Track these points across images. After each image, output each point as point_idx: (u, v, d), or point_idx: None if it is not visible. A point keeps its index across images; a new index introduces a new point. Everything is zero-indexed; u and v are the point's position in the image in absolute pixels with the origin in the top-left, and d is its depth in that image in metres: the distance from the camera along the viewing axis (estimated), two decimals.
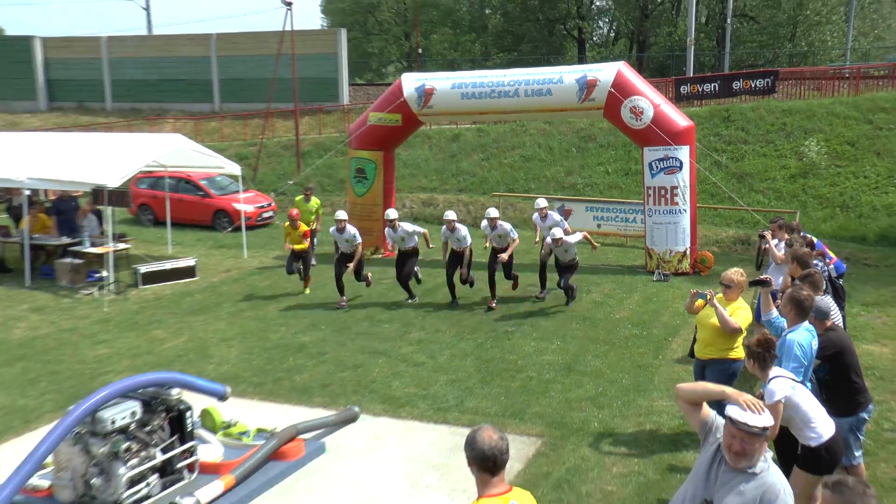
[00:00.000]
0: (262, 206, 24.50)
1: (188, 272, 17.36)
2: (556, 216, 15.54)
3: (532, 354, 11.91)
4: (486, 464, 4.13)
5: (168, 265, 17.29)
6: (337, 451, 8.75)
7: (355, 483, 8.05)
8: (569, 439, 8.93)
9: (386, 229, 15.27)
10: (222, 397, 8.69)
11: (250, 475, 7.88)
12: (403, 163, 27.05)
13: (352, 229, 14.84)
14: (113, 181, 15.99)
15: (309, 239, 16.23)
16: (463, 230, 14.52)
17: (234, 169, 19.88)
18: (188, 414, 7.88)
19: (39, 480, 7.71)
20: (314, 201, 18.53)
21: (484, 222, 14.88)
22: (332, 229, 15.22)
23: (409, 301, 15.19)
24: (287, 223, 16.06)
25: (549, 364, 11.46)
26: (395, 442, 8.99)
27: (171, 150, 18.07)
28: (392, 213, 15.08)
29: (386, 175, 19.34)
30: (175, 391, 7.85)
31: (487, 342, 12.55)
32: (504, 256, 14.25)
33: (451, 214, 14.60)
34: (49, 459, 7.46)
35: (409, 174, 27.71)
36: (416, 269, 15.29)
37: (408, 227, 14.86)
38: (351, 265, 14.74)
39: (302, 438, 8.64)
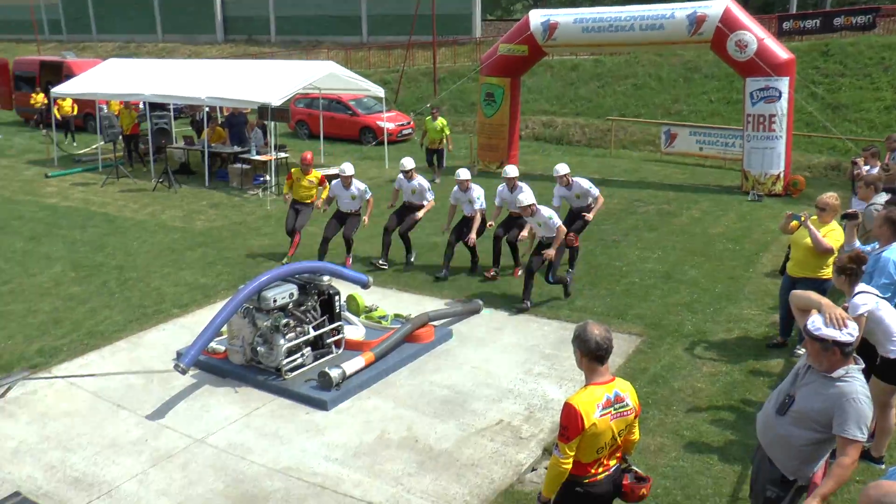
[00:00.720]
0: (402, 125, 24.47)
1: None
2: (584, 183, 10.87)
3: (636, 262, 11.58)
4: (596, 354, 4.02)
5: (322, 172, 17.52)
6: (462, 338, 8.79)
7: (477, 366, 8.07)
8: (665, 339, 8.70)
9: (399, 177, 11.60)
10: (365, 286, 8.83)
11: (387, 354, 8.01)
12: (528, 88, 26.32)
13: (360, 184, 11.53)
14: (276, 100, 16.22)
15: (325, 186, 12.12)
16: (476, 191, 10.90)
17: (379, 92, 19.80)
18: (336, 298, 8.05)
19: (217, 345, 8.08)
20: (440, 121, 17.85)
21: (501, 186, 10.80)
22: (334, 183, 11.62)
23: (411, 260, 11.68)
24: (295, 169, 12.19)
25: (650, 271, 11.13)
26: (512, 333, 8.96)
27: (324, 75, 18.09)
28: (409, 163, 11.41)
29: (512, 99, 18.90)
30: (326, 278, 8.01)
31: (597, 249, 12.24)
32: (523, 234, 10.35)
33: (464, 173, 11.00)
34: (224, 329, 7.80)
35: (531, 99, 27.01)
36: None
37: (424, 183, 11.54)
38: (366, 219, 11.54)
39: (432, 325, 8.70)
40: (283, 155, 18.08)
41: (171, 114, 19.71)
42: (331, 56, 34.18)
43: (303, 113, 24.94)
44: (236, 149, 18.45)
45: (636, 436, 4.36)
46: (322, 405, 7.16)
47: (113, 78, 19.92)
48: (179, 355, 7.64)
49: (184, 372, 7.14)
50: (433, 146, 17.59)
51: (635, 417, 4.21)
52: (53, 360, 8.45)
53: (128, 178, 18.22)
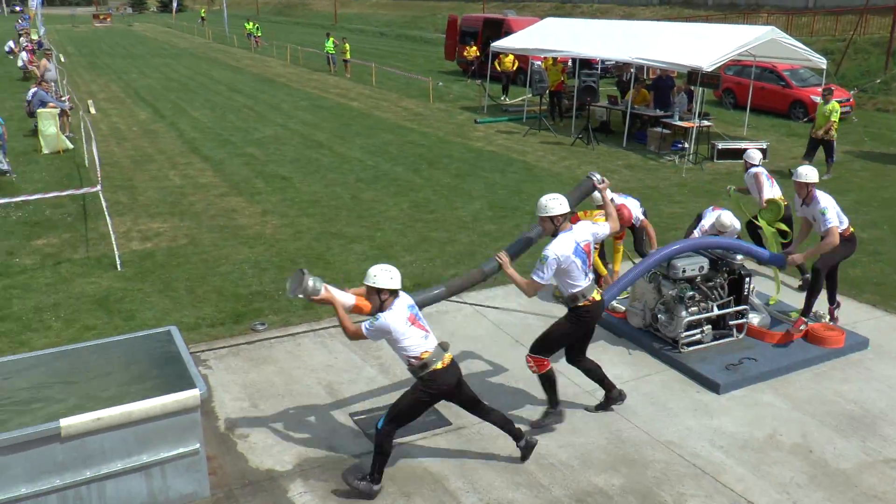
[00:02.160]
0: (841, 102, 22.14)
1: (761, 153, 16.57)
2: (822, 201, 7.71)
3: None
4: None
5: (742, 144, 16.72)
6: (879, 350, 7.79)
7: (894, 385, 7.13)
8: None
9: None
10: (782, 266, 8.22)
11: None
12: None
13: None
14: (707, 65, 15.72)
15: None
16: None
17: (820, 63, 18.10)
18: (747, 280, 7.66)
19: (618, 304, 8.23)
20: (833, 105, 14.81)
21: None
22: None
23: None
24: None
25: None
26: None
27: (763, 42, 17.00)
28: (728, 220, 8.53)
29: None
30: (739, 257, 7.65)
31: None
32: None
33: None
34: (627, 290, 7.90)
35: None
36: None
37: None
38: None
39: (843, 329, 7.89)
40: (706, 123, 17.54)
41: (598, 72, 20.23)
42: (770, 21, 32.14)
43: (731, 81, 23.81)
44: (658, 112, 18.35)
45: None
46: (714, 387, 6.93)
47: (547, 35, 21.02)
48: None
49: None
50: (816, 134, 14.95)
51: None
52: None
53: (548, 131, 19.24)
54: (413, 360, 5.27)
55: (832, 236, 7.41)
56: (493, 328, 8.25)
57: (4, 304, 8.73)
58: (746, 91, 20.93)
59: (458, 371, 5.48)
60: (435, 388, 5.33)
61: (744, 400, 6.83)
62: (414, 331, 5.25)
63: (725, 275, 7.62)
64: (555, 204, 5.99)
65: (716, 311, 7.53)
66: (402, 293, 5.34)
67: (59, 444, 4.83)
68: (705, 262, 7.42)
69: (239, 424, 6.43)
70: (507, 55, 24.29)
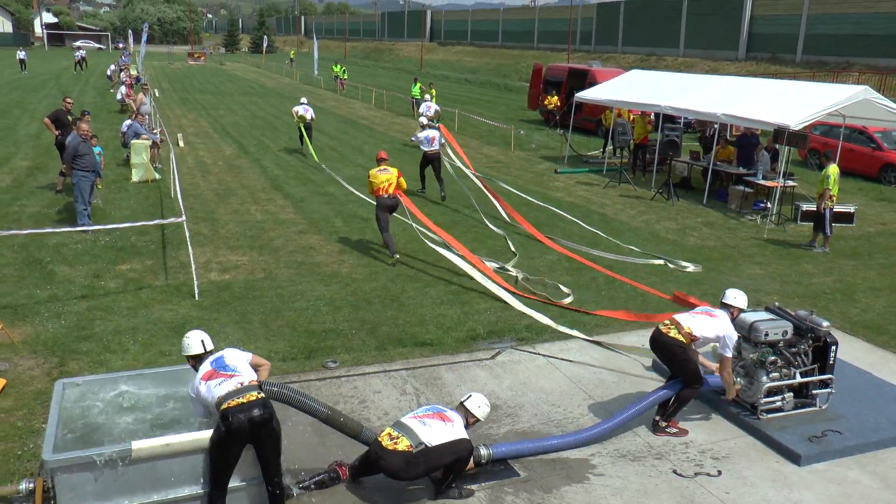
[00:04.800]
0: None
1: (846, 217, 15.98)
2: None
3: None
4: None
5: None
6: None
7: None
8: None
9: None
10: None
11: None
12: None
13: None
14: (794, 124, 15.34)
15: None
16: None
17: None
18: (833, 348, 7.34)
19: None
20: (828, 169, 13.63)
21: None
22: None
23: None
24: None
25: None
26: None
27: (855, 101, 16.52)
28: None
29: None
30: (826, 324, 7.34)
31: None
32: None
33: None
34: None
35: None
36: None
37: None
38: None
39: None
40: (790, 183, 17.04)
41: (682, 127, 19.97)
42: (862, 80, 31.33)
43: (818, 141, 23.16)
44: (741, 170, 17.95)
45: None
46: (795, 458, 6.63)
47: (632, 88, 20.92)
48: None
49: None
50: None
51: None
52: (538, 337, 9.25)
53: (629, 185, 19.04)
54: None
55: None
56: (567, 381, 8.10)
57: (87, 325, 9.04)
58: (833, 152, 20.29)
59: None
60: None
61: (827, 474, 6.51)
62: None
63: (810, 342, 7.32)
64: None
65: (798, 379, 7.23)
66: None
67: (130, 466, 4.93)
68: (789, 327, 7.15)
69: (304, 461, 6.41)
70: (611, 111, 23.53)
